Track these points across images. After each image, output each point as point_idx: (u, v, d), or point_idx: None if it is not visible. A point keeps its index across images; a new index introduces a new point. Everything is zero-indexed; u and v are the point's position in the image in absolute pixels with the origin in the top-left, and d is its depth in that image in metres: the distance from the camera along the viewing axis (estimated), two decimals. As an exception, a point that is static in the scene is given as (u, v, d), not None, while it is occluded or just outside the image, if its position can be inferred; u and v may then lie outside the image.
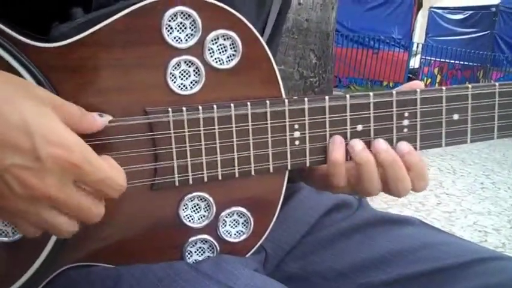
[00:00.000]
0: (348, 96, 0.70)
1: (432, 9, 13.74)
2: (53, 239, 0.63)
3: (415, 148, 0.74)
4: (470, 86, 0.75)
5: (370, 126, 0.72)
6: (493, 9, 12.52)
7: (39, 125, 0.52)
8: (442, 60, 12.07)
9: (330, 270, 0.81)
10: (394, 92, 0.72)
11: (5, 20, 0.58)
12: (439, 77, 12.22)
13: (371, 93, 0.71)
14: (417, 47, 12.37)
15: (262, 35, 0.82)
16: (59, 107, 0.56)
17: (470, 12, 12.96)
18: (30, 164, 0.52)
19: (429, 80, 12.12)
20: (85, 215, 0.57)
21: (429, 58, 12.18)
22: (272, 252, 0.82)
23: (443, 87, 0.74)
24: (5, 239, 0.61)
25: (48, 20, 0.62)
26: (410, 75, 12.20)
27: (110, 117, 0.61)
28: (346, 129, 0.71)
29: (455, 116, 0.75)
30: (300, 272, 0.82)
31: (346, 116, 0.71)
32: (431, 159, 5.27)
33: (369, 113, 0.71)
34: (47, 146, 0.52)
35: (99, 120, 0.60)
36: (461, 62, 12.06)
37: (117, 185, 0.57)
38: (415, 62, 12.58)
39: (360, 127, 0.72)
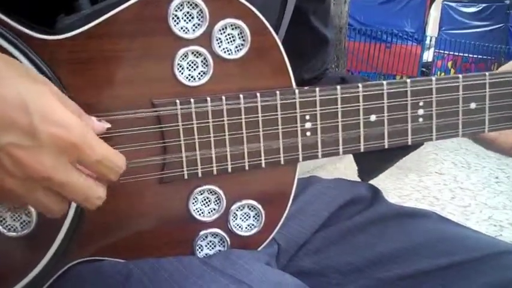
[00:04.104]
0: (360, 85, 0.69)
1: (445, 2, 13.64)
2: (62, 233, 0.62)
3: (431, 139, 0.73)
4: (487, 73, 0.74)
5: (383, 116, 0.71)
6: (507, 1, 12.42)
7: (38, 104, 0.50)
8: (455, 53, 11.99)
9: (346, 265, 0.80)
10: (408, 80, 0.71)
11: (10, 13, 0.57)
12: (452, 71, 12.14)
13: (384, 82, 0.70)
14: (430, 40, 12.30)
15: (279, 24, 0.81)
16: (56, 94, 0.54)
17: (484, 5, 12.86)
18: (27, 143, 0.50)
19: (443, 74, 12.04)
20: (82, 197, 0.55)
21: (443, 51, 12.10)
22: (285, 246, 0.81)
23: (460, 75, 0.72)
24: (14, 234, 0.61)
25: (54, 12, 0.62)
26: (424, 69, 12.14)
27: (108, 125, 0.59)
28: (359, 119, 0.70)
29: (473, 105, 0.74)
30: (314, 267, 0.82)
31: (359, 106, 0.69)
32: (445, 153, 5.24)
33: (383, 103, 0.70)
34: (46, 125, 0.50)
35: (96, 124, 0.58)
36: (475, 56, 11.98)
37: (115, 166, 0.55)
38: (428, 56, 12.51)
39: (373, 117, 0.70)
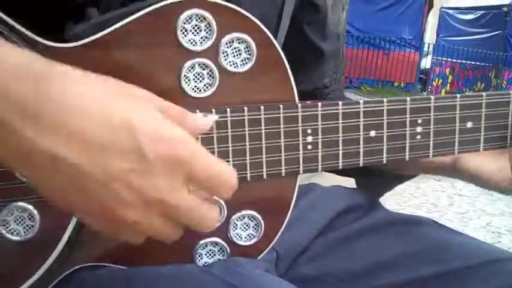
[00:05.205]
0: (361, 101, 0.70)
1: (443, 9, 13.66)
2: (65, 239, 0.63)
3: (428, 155, 0.73)
4: (484, 94, 0.75)
5: (383, 132, 0.72)
6: (505, 9, 12.43)
7: (143, 125, 0.48)
8: (453, 60, 12.01)
9: (344, 272, 0.81)
10: (408, 98, 0.72)
11: (20, 20, 0.58)
12: (450, 78, 12.16)
13: (385, 100, 0.71)
14: (428, 47, 12.31)
15: (275, 37, 0.82)
16: (159, 104, 0.52)
17: (482, 12, 12.88)
18: (138, 166, 0.47)
19: (440, 81, 12.07)
20: (196, 220, 0.52)
21: (440, 58, 12.12)
22: (283, 253, 0.82)
23: (458, 95, 0.74)
24: (17, 238, 0.61)
25: (63, 20, 0.62)
26: (422, 76, 12.15)
27: (216, 117, 0.59)
28: (359, 135, 0.71)
29: (469, 124, 0.75)
30: (313, 274, 0.82)
31: (359, 121, 0.70)
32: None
33: (382, 119, 0.71)
34: (152, 144, 0.48)
35: (204, 120, 0.56)
36: (473, 62, 12.00)
37: (229, 182, 0.52)
38: (426, 63, 12.52)
39: (372, 133, 0.71)
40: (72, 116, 0.47)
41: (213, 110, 0.65)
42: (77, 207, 0.50)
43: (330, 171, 0.85)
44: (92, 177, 0.47)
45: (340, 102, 0.69)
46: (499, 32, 12.41)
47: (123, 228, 0.51)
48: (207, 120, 0.56)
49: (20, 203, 0.61)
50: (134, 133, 0.48)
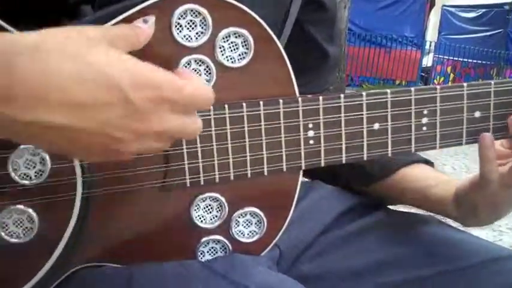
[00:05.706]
0: (364, 94, 0.69)
1: (445, 7, 13.67)
2: (64, 240, 0.63)
3: (435, 147, 0.73)
4: (492, 82, 0.74)
5: (387, 125, 0.71)
6: (507, 7, 12.45)
7: (122, 73, 0.50)
8: (455, 58, 12.01)
9: (347, 270, 0.81)
10: (412, 89, 0.71)
11: (12, 19, 0.57)
12: (452, 76, 12.16)
13: (388, 91, 0.70)
14: (430, 45, 12.32)
15: (280, 36, 0.81)
16: (115, 39, 0.54)
17: (484, 10, 12.89)
18: (124, 112, 0.51)
19: (442, 79, 12.08)
20: (185, 134, 0.58)
21: (442, 56, 12.12)
22: (286, 251, 0.82)
23: (465, 84, 0.72)
24: (16, 240, 0.61)
25: (57, 18, 0.61)
26: (423, 74, 12.16)
27: (153, 17, 0.59)
28: (362, 128, 0.70)
29: (477, 114, 0.74)
30: (315, 271, 0.82)
31: (362, 114, 0.70)
32: (445, 158, 5.24)
33: (386, 111, 0.70)
34: (137, 91, 0.51)
35: (148, 29, 0.58)
36: (475, 61, 12.00)
37: (208, 99, 0.56)
38: (427, 61, 12.52)
39: (376, 126, 0.71)
40: (47, 83, 0.48)
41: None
42: (76, 156, 0.56)
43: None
44: (83, 130, 0.50)
45: (341, 95, 0.68)
46: (500, 30, 12.42)
47: (122, 157, 0.56)
48: (150, 26, 0.58)
49: (19, 206, 0.61)
50: (117, 85, 0.50)
